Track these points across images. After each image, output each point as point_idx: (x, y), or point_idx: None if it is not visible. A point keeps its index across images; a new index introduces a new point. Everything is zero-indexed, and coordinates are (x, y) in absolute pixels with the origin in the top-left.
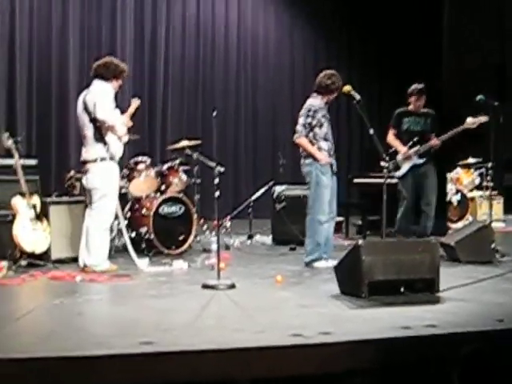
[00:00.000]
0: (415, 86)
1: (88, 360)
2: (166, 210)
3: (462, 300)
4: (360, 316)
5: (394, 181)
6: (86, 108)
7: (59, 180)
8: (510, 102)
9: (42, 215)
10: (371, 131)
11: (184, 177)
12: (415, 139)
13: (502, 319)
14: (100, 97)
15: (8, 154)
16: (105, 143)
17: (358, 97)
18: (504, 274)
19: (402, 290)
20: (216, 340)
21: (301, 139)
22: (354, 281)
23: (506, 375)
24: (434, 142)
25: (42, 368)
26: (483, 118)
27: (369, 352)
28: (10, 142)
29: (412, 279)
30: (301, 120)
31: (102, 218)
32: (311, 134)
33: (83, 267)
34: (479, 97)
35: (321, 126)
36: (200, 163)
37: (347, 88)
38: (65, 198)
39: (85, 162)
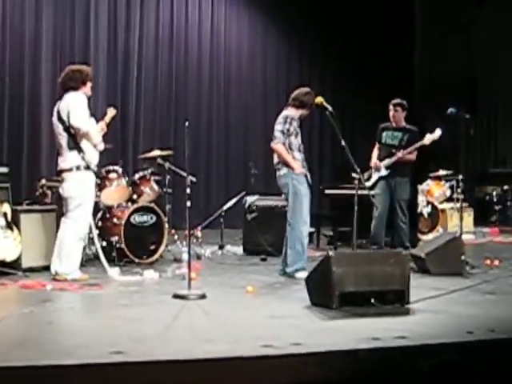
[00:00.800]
0: (394, 100)
1: (58, 369)
2: (137, 219)
3: (432, 312)
4: (331, 327)
5: (365, 192)
6: (59, 117)
7: (30, 188)
8: (481, 115)
9: (12, 223)
10: (343, 143)
11: (156, 186)
12: (387, 153)
13: (472, 331)
14: (73, 105)
15: None
16: (80, 151)
17: (330, 108)
18: (474, 286)
19: (373, 301)
20: (187, 350)
21: (278, 145)
22: (324, 292)
23: None
24: (398, 154)
25: (11, 377)
26: (437, 134)
27: (340, 363)
28: None
29: (382, 291)
30: (278, 127)
31: (77, 227)
32: (287, 142)
33: (54, 275)
34: (450, 109)
35: (296, 135)
36: (171, 173)
37: (319, 99)
38: (36, 207)
39: (61, 171)
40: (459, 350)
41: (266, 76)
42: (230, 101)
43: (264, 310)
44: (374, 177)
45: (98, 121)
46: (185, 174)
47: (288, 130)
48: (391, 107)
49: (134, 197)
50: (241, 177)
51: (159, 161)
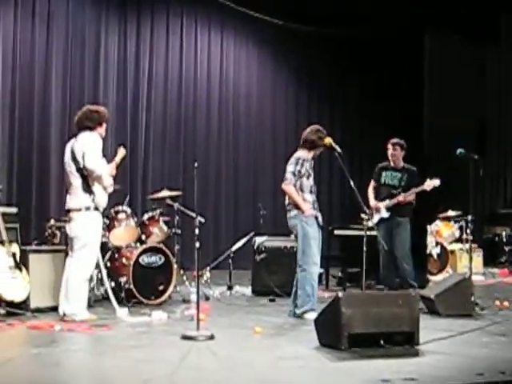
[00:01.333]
0: (392, 140)
1: None
2: (146, 260)
3: (442, 353)
4: (340, 369)
5: (374, 233)
6: (73, 157)
7: (39, 229)
8: (490, 156)
9: (21, 264)
10: (352, 184)
11: (164, 227)
12: (386, 194)
13: (483, 373)
14: (88, 146)
15: None
16: (91, 193)
17: (339, 149)
18: (484, 328)
19: (382, 342)
20: None
21: (289, 187)
22: (333, 333)
23: None
24: (399, 197)
25: None
26: (436, 182)
27: None
28: None
29: (392, 332)
30: (290, 168)
31: (83, 267)
32: (298, 184)
33: (62, 316)
34: (459, 150)
35: (308, 176)
36: (180, 214)
37: (328, 140)
38: (44, 247)
39: (69, 211)
40: None
41: (275, 116)
42: (238, 142)
43: (272, 351)
44: (375, 218)
45: (108, 161)
46: (194, 215)
47: (299, 172)
48: (390, 146)
49: (143, 237)
50: (249, 217)
51: (168, 201)
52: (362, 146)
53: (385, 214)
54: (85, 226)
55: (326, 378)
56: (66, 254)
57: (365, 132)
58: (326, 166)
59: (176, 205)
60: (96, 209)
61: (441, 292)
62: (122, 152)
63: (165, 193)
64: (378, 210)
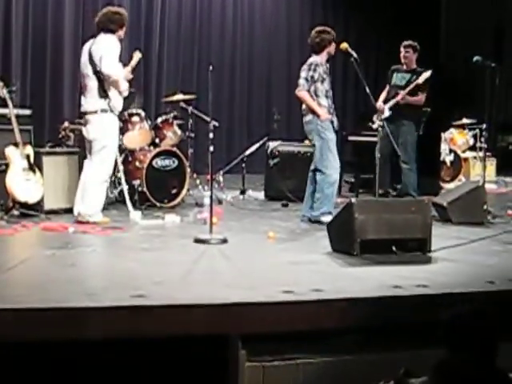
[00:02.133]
0: (404, 42)
1: (79, 312)
2: (159, 163)
3: (453, 261)
4: (351, 274)
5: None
6: (91, 59)
7: (53, 131)
8: (507, 64)
9: (35, 166)
10: (367, 89)
11: (178, 130)
12: (393, 94)
13: (493, 281)
14: (106, 50)
15: (2, 103)
16: (107, 97)
17: (354, 54)
18: (495, 236)
19: (394, 249)
20: (208, 295)
21: (302, 93)
22: (346, 239)
23: (493, 337)
24: (398, 96)
25: (33, 319)
26: (427, 73)
27: (360, 310)
28: (4, 92)
29: (404, 239)
30: (303, 74)
31: (102, 169)
32: (312, 89)
33: (77, 216)
34: (476, 58)
35: (322, 81)
36: (194, 117)
37: (344, 45)
38: (58, 149)
39: (85, 113)
40: (480, 300)
41: (290, 20)
42: (253, 44)
43: (285, 255)
44: (379, 118)
45: (124, 65)
46: (208, 119)
47: (312, 77)
48: (402, 49)
49: (157, 140)
50: (263, 122)
51: (182, 105)
52: (379, 51)
53: (386, 113)
54: (102, 127)
55: (337, 282)
56: (81, 157)
57: (381, 37)
58: (340, 72)
59: (190, 108)
60: (111, 111)
61: (453, 200)
62: (137, 56)
63: (179, 96)
64: (382, 112)
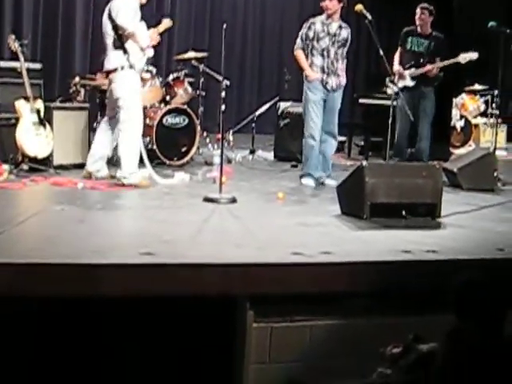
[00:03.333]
0: (421, 4)
1: (87, 268)
2: (169, 120)
3: (463, 227)
4: (360, 237)
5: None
6: (110, 15)
7: (63, 86)
8: None
9: (45, 120)
10: (381, 52)
11: (189, 88)
12: (412, 61)
13: (503, 248)
14: (124, 4)
15: (13, 56)
16: (124, 51)
17: (369, 16)
18: (505, 203)
19: (404, 213)
20: (217, 254)
21: (296, 51)
22: (356, 202)
23: (502, 305)
24: (427, 67)
25: (41, 274)
26: (474, 55)
27: (369, 274)
28: (16, 45)
29: (414, 203)
30: (300, 32)
31: (132, 126)
32: (310, 47)
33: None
34: (491, 23)
35: (318, 39)
36: (205, 76)
37: (359, 7)
38: (68, 104)
39: (107, 72)
40: (489, 266)
41: None
42: (265, 4)
43: (294, 217)
44: (400, 84)
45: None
46: (220, 78)
47: (307, 35)
48: (418, 10)
49: (167, 98)
50: (274, 82)
51: (194, 63)
52: (393, 14)
53: (410, 83)
54: (125, 85)
55: (346, 245)
56: (91, 112)
57: (396, 2)
58: (353, 34)
59: (201, 66)
60: (131, 67)
61: (464, 166)
62: (166, 23)
63: (191, 54)
64: (401, 77)
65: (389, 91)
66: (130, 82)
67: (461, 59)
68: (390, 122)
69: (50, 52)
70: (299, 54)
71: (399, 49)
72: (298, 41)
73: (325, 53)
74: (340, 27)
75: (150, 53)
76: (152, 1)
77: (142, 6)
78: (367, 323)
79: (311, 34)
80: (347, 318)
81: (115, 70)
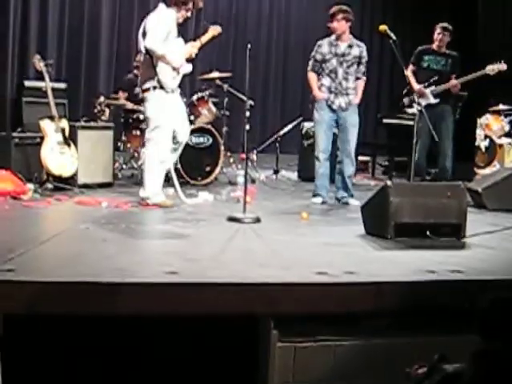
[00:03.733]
0: (442, 24)
1: (112, 286)
2: (193, 140)
3: (488, 247)
4: (385, 257)
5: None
6: (144, 33)
7: (88, 105)
8: None
9: (69, 139)
10: (405, 72)
11: (213, 108)
12: (433, 78)
13: None
14: (154, 24)
15: (39, 76)
16: (155, 73)
17: (393, 36)
18: None
19: (428, 233)
20: (240, 274)
21: (308, 73)
22: (380, 221)
23: None
24: (452, 82)
25: (65, 292)
26: (502, 66)
27: (393, 294)
28: (41, 65)
29: (438, 223)
30: (311, 54)
31: (157, 149)
32: (318, 68)
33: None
34: None
35: (324, 61)
36: (229, 95)
37: (383, 27)
38: (93, 124)
39: (143, 91)
40: None
41: (328, 2)
42: (289, 23)
43: (318, 236)
44: (420, 104)
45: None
46: (244, 98)
47: (314, 57)
48: (439, 30)
49: (192, 118)
50: (298, 102)
51: (218, 82)
52: (414, 34)
53: (433, 100)
54: (154, 106)
55: (370, 265)
56: (115, 132)
57: (417, 20)
58: (376, 54)
59: (226, 86)
60: (162, 88)
61: (489, 186)
62: (213, 30)
63: (215, 74)
64: (422, 95)
65: (410, 111)
66: (162, 103)
67: (489, 71)
68: (414, 142)
69: (75, 72)
70: (310, 75)
71: (411, 67)
72: (310, 62)
73: (332, 74)
74: (350, 46)
75: (187, 69)
76: None
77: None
78: (391, 343)
79: (318, 57)
80: (371, 339)
81: (147, 90)
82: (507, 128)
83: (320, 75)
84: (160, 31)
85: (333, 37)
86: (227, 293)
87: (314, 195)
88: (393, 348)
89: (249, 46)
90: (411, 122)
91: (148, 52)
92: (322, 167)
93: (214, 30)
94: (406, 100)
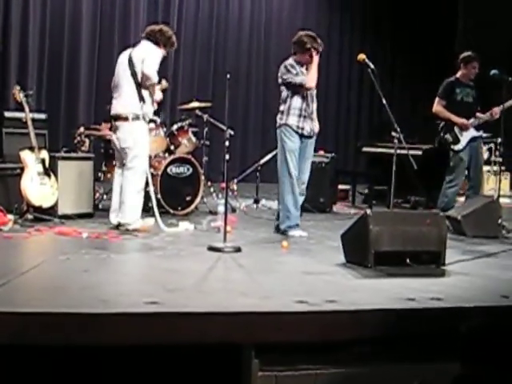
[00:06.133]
0: (471, 53)
1: (92, 317)
2: (174, 170)
3: (468, 274)
4: (365, 286)
5: (404, 151)
6: (130, 62)
7: (68, 136)
8: None
9: (50, 170)
10: (384, 101)
11: (193, 138)
12: (467, 111)
13: (508, 296)
14: (149, 55)
15: (18, 107)
16: (141, 100)
17: (371, 65)
18: (510, 250)
19: (408, 261)
20: (222, 303)
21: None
22: (360, 250)
23: (509, 352)
24: (495, 110)
25: (45, 323)
26: None
27: (373, 322)
28: (21, 96)
29: (418, 251)
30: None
31: (136, 179)
32: (289, 92)
33: (115, 226)
34: (493, 71)
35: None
36: (209, 125)
37: (361, 56)
38: (73, 154)
39: (116, 118)
40: (494, 314)
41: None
42: (269, 53)
43: (298, 265)
44: (465, 138)
45: None
46: (224, 127)
47: (284, 80)
48: (476, 63)
49: (172, 148)
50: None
51: (198, 112)
52: (394, 63)
53: (476, 133)
54: (134, 135)
55: (351, 293)
56: (96, 162)
57: (398, 51)
58: (356, 83)
59: (206, 116)
60: (143, 118)
61: (468, 213)
62: (163, 85)
63: (195, 103)
64: (466, 130)
65: (457, 148)
66: (140, 134)
67: None
68: (393, 170)
69: (55, 102)
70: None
71: (440, 101)
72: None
73: (303, 96)
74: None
75: (156, 106)
76: None
77: None
78: (372, 371)
79: (288, 79)
80: (352, 367)
81: (126, 119)
82: (486, 155)
83: (291, 97)
84: (156, 62)
85: (297, 57)
86: (208, 322)
87: (292, 227)
88: (374, 376)
89: (228, 75)
90: (391, 151)
91: (136, 80)
92: (296, 196)
93: (163, 85)
94: (448, 136)
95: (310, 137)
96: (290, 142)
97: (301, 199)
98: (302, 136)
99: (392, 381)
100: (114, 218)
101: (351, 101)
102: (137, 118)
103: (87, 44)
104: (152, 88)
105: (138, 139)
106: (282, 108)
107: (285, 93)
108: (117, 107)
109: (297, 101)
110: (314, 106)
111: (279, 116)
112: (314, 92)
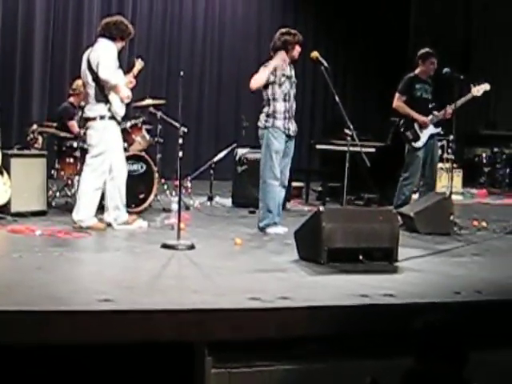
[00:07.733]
0: (429, 50)
1: (45, 315)
2: (127, 167)
3: (420, 271)
4: (318, 282)
5: (357, 149)
6: (89, 67)
7: (21, 133)
8: (474, 76)
9: (2, 168)
10: (337, 98)
11: (147, 136)
12: (424, 107)
13: (459, 292)
14: (103, 56)
15: None
16: (107, 102)
17: (325, 63)
18: (461, 247)
19: (361, 258)
20: (175, 300)
21: None
22: (313, 247)
23: (461, 348)
24: (448, 110)
25: None
26: (486, 86)
27: (326, 318)
28: None
29: (371, 248)
30: None
31: (93, 176)
32: (270, 92)
33: (108, 224)
34: (445, 70)
35: (280, 84)
36: (163, 123)
37: (315, 54)
38: (26, 152)
39: (86, 120)
40: (447, 310)
41: (260, 26)
42: (223, 52)
43: (252, 262)
44: (424, 135)
45: (125, 73)
46: (177, 125)
47: (268, 80)
48: (434, 59)
49: (125, 145)
50: (232, 129)
51: (151, 110)
52: (347, 60)
53: (435, 130)
54: (99, 134)
55: (304, 290)
56: (49, 160)
57: (351, 48)
58: (310, 80)
59: (159, 113)
60: (112, 118)
61: (420, 210)
62: (139, 64)
63: (148, 101)
64: (425, 126)
65: (417, 145)
66: (107, 133)
67: (475, 92)
68: (347, 167)
69: (8, 99)
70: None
71: (401, 97)
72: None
73: (287, 97)
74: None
75: (128, 100)
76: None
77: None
78: (326, 367)
79: (272, 79)
80: (306, 363)
81: (94, 119)
82: (439, 153)
83: (273, 100)
84: (111, 62)
85: (281, 58)
86: (161, 320)
87: (270, 225)
88: (327, 372)
89: (181, 73)
90: (344, 148)
91: (98, 83)
92: (277, 194)
93: (139, 64)
94: (409, 134)
95: (293, 136)
96: (277, 143)
97: (282, 192)
98: (288, 136)
99: (345, 377)
100: (106, 217)
101: (305, 98)
102: (103, 117)
103: (40, 40)
104: (115, 88)
105: (103, 137)
106: (266, 110)
107: (266, 95)
108: (87, 112)
109: (281, 104)
110: (294, 105)
111: (264, 118)
112: (293, 92)
